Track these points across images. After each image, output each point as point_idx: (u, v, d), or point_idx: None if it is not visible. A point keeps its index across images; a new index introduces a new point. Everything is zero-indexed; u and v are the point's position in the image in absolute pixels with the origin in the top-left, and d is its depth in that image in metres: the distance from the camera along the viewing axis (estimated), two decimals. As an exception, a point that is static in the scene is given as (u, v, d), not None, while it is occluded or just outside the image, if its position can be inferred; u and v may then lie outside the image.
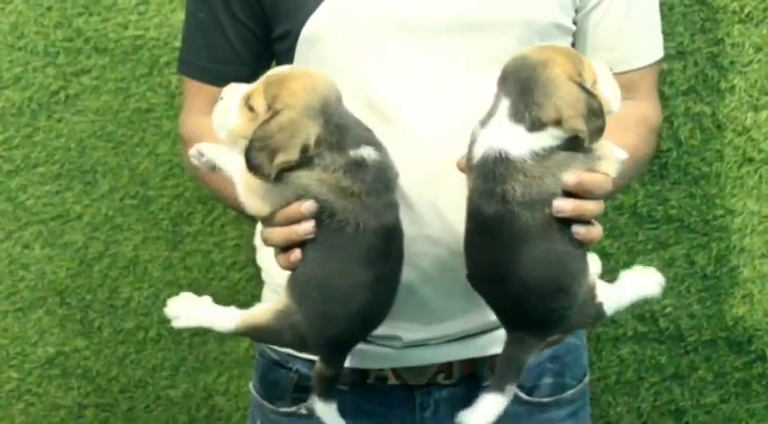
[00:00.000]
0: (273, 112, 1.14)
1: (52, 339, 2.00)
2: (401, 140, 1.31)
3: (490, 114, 1.15)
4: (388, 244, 1.18)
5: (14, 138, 1.92)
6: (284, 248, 1.18)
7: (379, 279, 1.18)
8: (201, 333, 1.97)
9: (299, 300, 1.18)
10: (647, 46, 1.45)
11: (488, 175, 1.12)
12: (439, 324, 1.38)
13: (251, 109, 1.16)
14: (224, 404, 2.01)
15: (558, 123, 1.11)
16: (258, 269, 1.51)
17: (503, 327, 1.22)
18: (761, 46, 1.77)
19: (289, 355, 1.45)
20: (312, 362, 1.30)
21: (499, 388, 1.19)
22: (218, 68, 1.43)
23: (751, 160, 1.82)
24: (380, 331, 1.37)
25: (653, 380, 1.93)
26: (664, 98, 1.80)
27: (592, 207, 1.14)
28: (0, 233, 1.96)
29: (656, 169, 1.84)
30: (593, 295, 1.18)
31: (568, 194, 1.13)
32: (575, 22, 1.39)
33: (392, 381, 1.42)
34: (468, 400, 1.42)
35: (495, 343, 1.38)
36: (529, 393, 1.44)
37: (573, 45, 1.40)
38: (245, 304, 1.25)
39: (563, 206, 1.12)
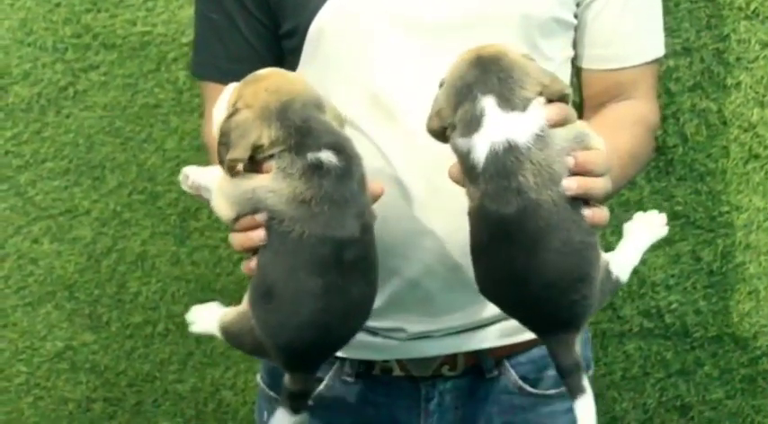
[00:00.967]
0: (234, 110, 1.15)
1: (61, 333, 2.01)
2: (404, 137, 1.32)
3: (471, 122, 1.12)
4: (337, 255, 1.13)
5: (23, 134, 1.93)
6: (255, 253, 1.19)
7: (328, 291, 1.14)
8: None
9: (252, 304, 1.18)
10: (645, 44, 1.43)
11: (500, 172, 1.10)
12: (443, 317, 1.39)
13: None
14: (231, 399, 2.02)
15: (540, 94, 1.12)
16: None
17: (535, 334, 1.20)
18: (767, 42, 1.78)
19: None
20: None
21: (580, 390, 1.17)
22: (237, 68, 1.38)
23: (757, 156, 1.82)
24: (385, 323, 1.39)
25: (658, 376, 1.93)
26: (669, 94, 1.80)
27: (596, 183, 1.13)
28: (9, 228, 1.97)
29: (662, 165, 1.84)
30: (608, 273, 1.18)
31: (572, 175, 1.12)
32: (576, 16, 1.39)
33: (397, 372, 1.42)
34: (471, 391, 1.43)
35: (499, 335, 1.40)
36: (533, 385, 1.44)
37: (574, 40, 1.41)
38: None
39: (569, 184, 1.11)
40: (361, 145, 1.34)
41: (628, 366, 1.93)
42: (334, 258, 1.13)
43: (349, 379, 1.44)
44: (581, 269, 1.14)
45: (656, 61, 1.46)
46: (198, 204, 1.94)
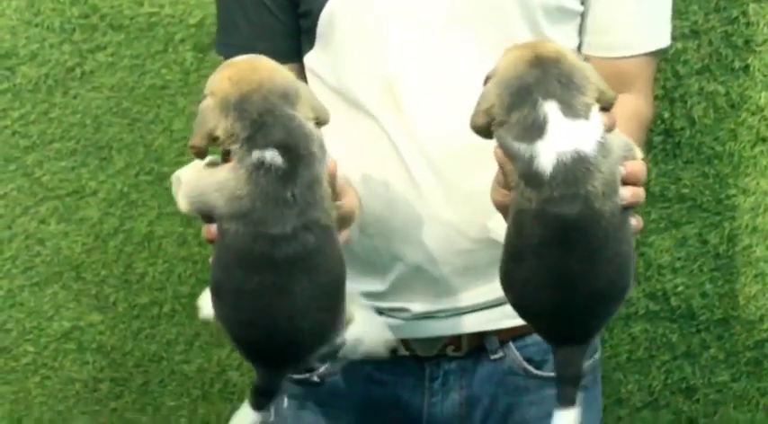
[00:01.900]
0: (203, 96, 1.14)
1: (68, 313, 2.01)
2: (413, 122, 1.33)
3: (533, 127, 1.08)
4: (270, 252, 1.09)
5: (31, 114, 1.93)
6: None
7: (266, 290, 1.11)
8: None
9: (212, 296, 1.17)
10: (646, 33, 1.40)
11: (569, 181, 1.07)
12: (448, 298, 1.39)
13: None
14: (237, 379, 2.03)
15: (597, 100, 1.10)
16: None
17: (550, 342, 1.19)
18: (776, 25, 1.77)
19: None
20: None
21: (570, 401, 1.16)
22: (262, 45, 1.34)
23: (764, 139, 1.82)
24: (389, 303, 1.39)
25: (664, 358, 1.93)
26: (677, 77, 1.79)
27: (643, 193, 1.13)
28: (16, 208, 1.97)
29: (669, 148, 1.84)
30: None
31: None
32: (583, 3, 1.37)
33: (402, 352, 1.43)
34: (476, 372, 1.44)
35: (504, 317, 1.40)
36: (538, 367, 1.44)
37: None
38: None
39: (626, 193, 1.10)
40: (368, 131, 1.35)
41: (633, 348, 1.93)
42: (267, 255, 1.10)
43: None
44: (624, 282, 1.13)
45: (659, 52, 1.43)
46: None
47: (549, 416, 1.43)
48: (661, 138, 1.82)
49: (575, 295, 1.11)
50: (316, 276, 1.12)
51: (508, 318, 1.40)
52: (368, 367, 1.44)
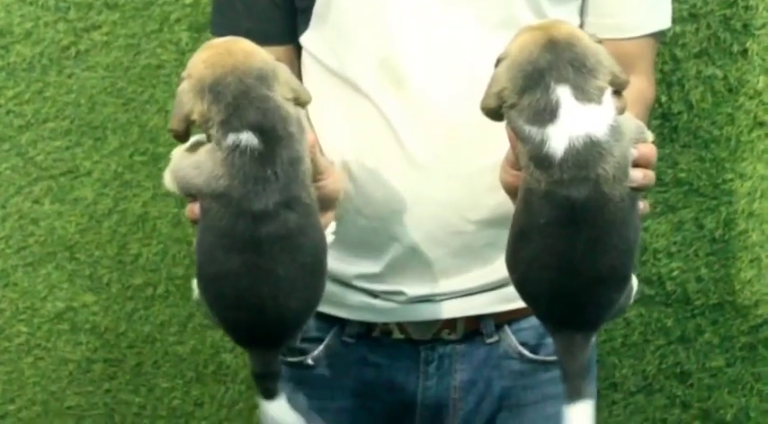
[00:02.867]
0: (181, 79, 1.13)
1: (61, 294, 2.01)
2: (412, 102, 1.32)
3: (545, 112, 1.08)
4: (252, 230, 1.09)
5: (25, 93, 1.92)
6: None
7: (249, 269, 1.11)
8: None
9: (197, 279, 1.17)
10: (648, 14, 1.39)
11: (580, 164, 1.07)
12: (444, 281, 1.38)
13: None
14: (231, 361, 2.02)
15: (610, 83, 1.10)
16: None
17: (550, 330, 1.19)
18: (775, 9, 1.77)
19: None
20: (319, 313, 1.31)
21: (580, 395, 1.16)
22: (258, 27, 1.36)
23: (762, 124, 1.82)
24: (384, 286, 1.39)
25: (659, 343, 1.93)
26: (675, 60, 1.79)
27: (653, 177, 1.13)
28: (10, 188, 1.96)
29: (666, 132, 1.83)
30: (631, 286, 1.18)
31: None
32: None
33: (397, 335, 1.43)
34: (471, 356, 1.43)
35: (500, 300, 1.40)
36: (533, 351, 1.44)
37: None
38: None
39: (636, 175, 1.10)
40: (366, 111, 1.34)
41: (628, 332, 1.93)
42: (248, 233, 1.09)
43: (349, 340, 1.44)
44: (627, 268, 1.13)
45: (660, 34, 1.42)
46: (199, 166, 1.93)
47: (544, 399, 1.43)
48: (658, 122, 1.81)
49: (577, 278, 1.11)
50: (298, 255, 1.12)
51: (504, 302, 1.39)
52: (362, 350, 1.44)
